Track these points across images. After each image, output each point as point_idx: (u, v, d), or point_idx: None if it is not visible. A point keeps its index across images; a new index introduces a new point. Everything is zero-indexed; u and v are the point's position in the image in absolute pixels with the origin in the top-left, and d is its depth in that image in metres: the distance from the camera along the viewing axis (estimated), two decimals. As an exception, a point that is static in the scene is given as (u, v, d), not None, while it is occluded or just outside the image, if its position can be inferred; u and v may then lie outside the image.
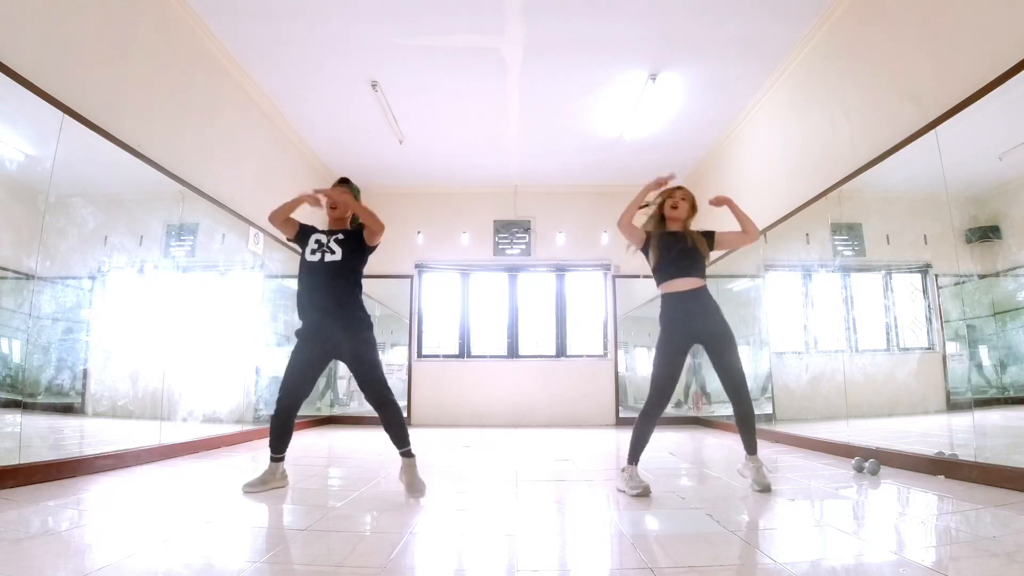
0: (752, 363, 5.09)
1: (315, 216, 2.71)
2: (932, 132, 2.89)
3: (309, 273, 2.53)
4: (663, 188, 2.74)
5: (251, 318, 4.91)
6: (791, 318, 4.60)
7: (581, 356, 7.13)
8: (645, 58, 4.53)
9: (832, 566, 1.48)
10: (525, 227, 7.31)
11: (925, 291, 3.15)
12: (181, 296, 3.84)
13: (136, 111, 3.39)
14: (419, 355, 7.06)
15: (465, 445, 4.54)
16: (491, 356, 7.14)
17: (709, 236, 2.72)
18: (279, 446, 2.55)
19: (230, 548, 1.70)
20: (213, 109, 4.31)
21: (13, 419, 2.50)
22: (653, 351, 2.67)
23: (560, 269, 7.33)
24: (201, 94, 4.14)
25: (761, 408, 4.71)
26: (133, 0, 3.40)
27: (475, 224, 7.30)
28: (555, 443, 4.68)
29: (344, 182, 2.68)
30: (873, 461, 2.86)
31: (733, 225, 2.79)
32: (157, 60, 3.61)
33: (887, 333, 3.47)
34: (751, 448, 2.57)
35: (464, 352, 7.14)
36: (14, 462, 2.41)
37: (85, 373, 3.03)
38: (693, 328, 2.60)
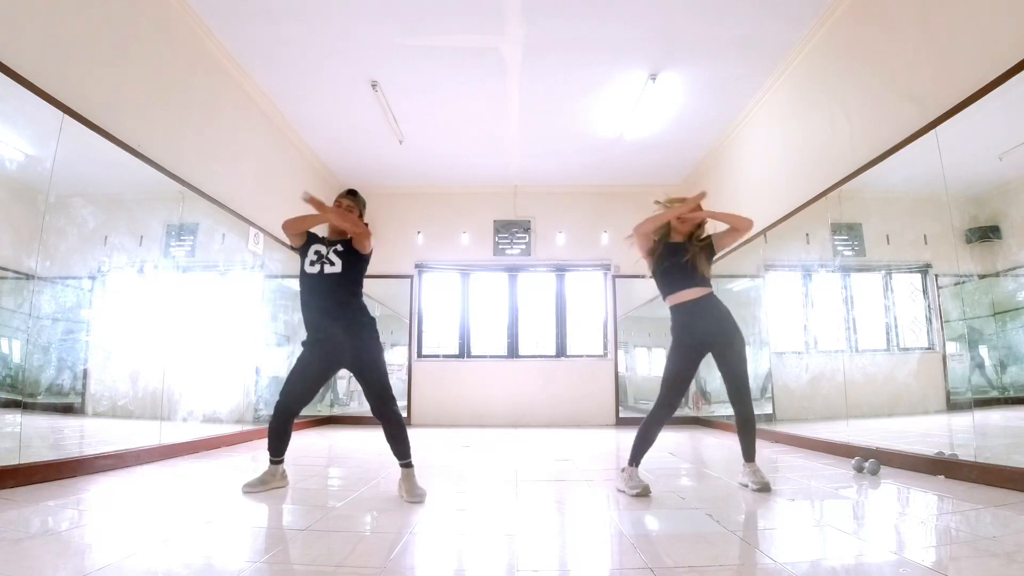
0: (752, 363, 5.08)
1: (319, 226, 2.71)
2: (932, 132, 2.89)
3: (309, 285, 2.53)
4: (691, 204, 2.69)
5: (251, 318, 4.91)
6: (791, 318, 4.60)
7: (581, 356, 7.13)
8: (645, 58, 4.53)
9: (832, 566, 1.48)
10: (525, 227, 7.31)
11: (925, 291, 3.15)
12: (181, 296, 3.84)
13: (136, 111, 3.39)
14: (419, 355, 7.06)
15: (465, 445, 4.54)
16: (491, 356, 7.14)
17: (708, 245, 2.71)
18: (277, 449, 2.56)
19: (230, 548, 1.70)
20: (213, 109, 4.31)
21: (13, 419, 2.50)
22: (666, 353, 2.68)
23: (560, 269, 7.33)
24: (201, 94, 4.14)
25: (761, 408, 4.71)
26: (133, 0, 3.40)
27: (475, 224, 7.30)
28: (555, 443, 4.68)
29: (352, 194, 2.65)
30: (873, 461, 2.86)
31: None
32: (157, 60, 3.61)
33: (887, 333, 3.47)
34: (750, 455, 2.57)
35: (464, 352, 7.14)
36: (14, 462, 2.42)
37: (85, 373, 3.03)
38: (702, 335, 2.59)
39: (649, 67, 4.65)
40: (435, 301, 7.31)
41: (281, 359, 5.49)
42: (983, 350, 2.75)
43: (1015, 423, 2.61)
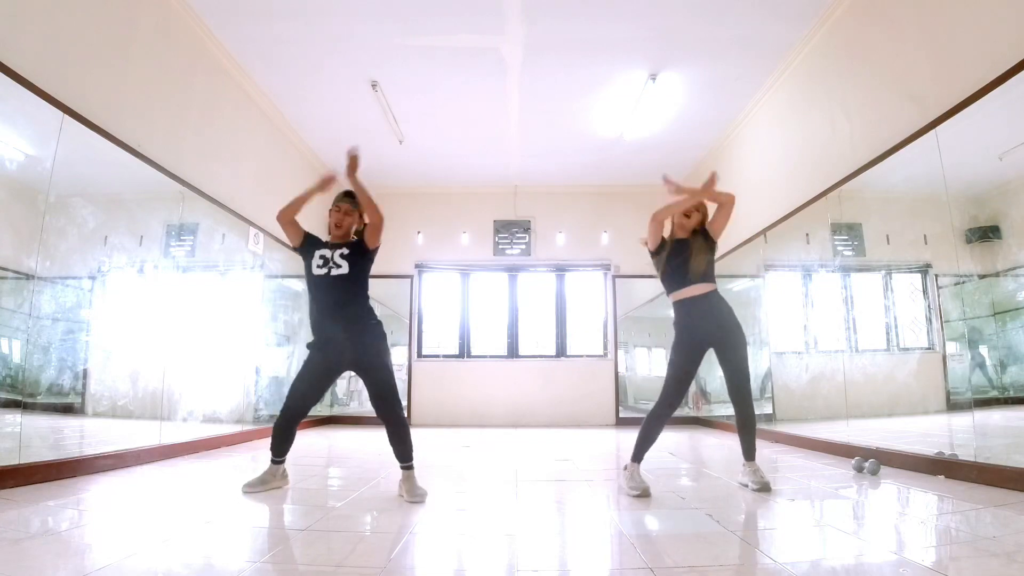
0: (752, 363, 5.08)
1: (319, 227, 2.71)
2: (932, 132, 2.89)
3: (317, 288, 2.53)
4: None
5: (251, 318, 4.91)
6: (791, 318, 4.60)
7: (581, 356, 7.13)
8: (645, 58, 4.53)
9: (832, 566, 1.48)
10: (525, 227, 7.31)
11: (925, 291, 3.15)
12: (181, 296, 3.84)
13: (136, 111, 3.39)
14: (419, 355, 7.07)
15: (465, 445, 4.54)
16: (491, 356, 7.14)
17: (707, 236, 2.72)
18: (280, 449, 2.56)
19: (230, 548, 1.70)
20: (213, 109, 4.31)
21: (13, 419, 2.50)
22: (668, 351, 2.70)
23: (560, 269, 7.33)
24: (201, 94, 4.14)
25: (761, 408, 4.71)
26: (133, 0, 3.40)
27: (475, 224, 7.30)
28: (555, 443, 4.68)
29: (349, 195, 2.64)
30: (873, 461, 2.86)
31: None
32: (157, 60, 3.61)
33: (887, 333, 3.47)
34: (750, 454, 2.57)
35: (464, 352, 7.14)
36: (14, 462, 2.42)
37: (85, 373, 3.03)
38: (706, 330, 2.60)
39: (649, 67, 4.65)
40: (435, 301, 7.31)
41: (281, 359, 5.49)
42: (983, 350, 2.75)
43: (1015, 423, 2.61)
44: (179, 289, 3.83)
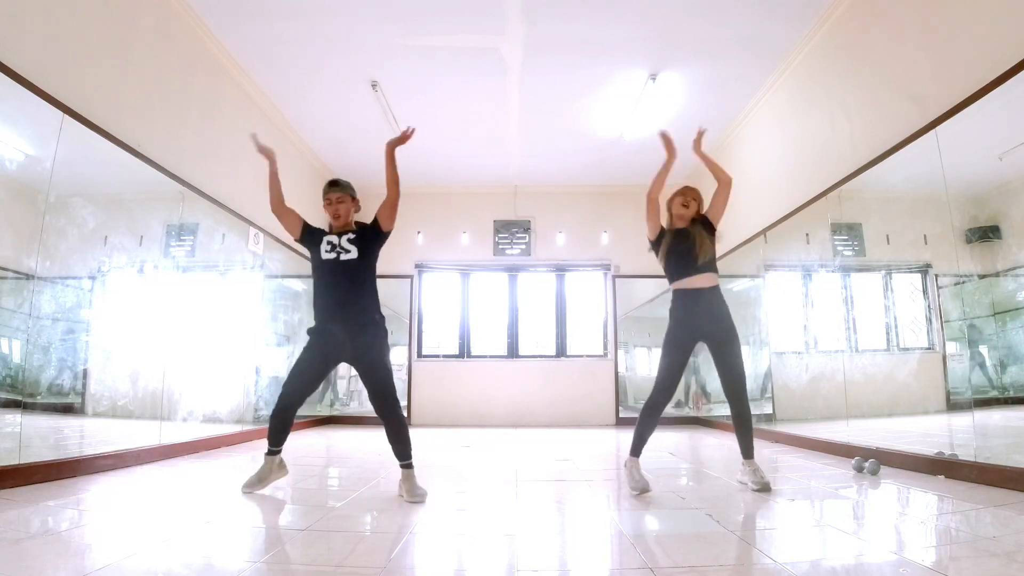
0: (752, 363, 5.09)
1: (320, 218, 2.71)
2: (932, 132, 2.89)
3: (324, 272, 2.51)
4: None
5: (251, 318, 4.91)
6: (791, 318, 4.60)
7: (581, 356, 7.13)
8: (645, 58, 4.53)
9: (832, 566, 1.48)
10: (525, 227, 7.31)
11: (925, 291, 3.15)
12: (181, 296, 3.84)
13: (136, 111, 3.39)
14: (419, 355, 7.07)
15: (465, 445, 4.54)
16: (491, 356, 7.14)
17: (707, 223, 2.72)
18: (278, 439, 2.53)
19: (230, 548, 1.70)
20: (213, 109, 4.31)
21: (13, 419, 2.50)
22: (662, 341, 2.71)
23: (560, 269, 7.33)
24: (201, 94, 4.14)
25: (761, 408, 4.71)
26: (133, 0, 3.40)
27: (475, 224, 7.30)
28: (555, 443, 4.68)
29: (335, 185, 2.62)
30: (873, 461, 2.86)
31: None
32: (157, 60, 3.61)
33: (887, 333, 3.47)
34: (748, 452, 2.58)
35: (464, 352, 7.14)
36: (14, 462, 2.41)
37: (85, 373, 3.03)
38: (697, 325, 2.62)
39: (649, 67, 4.65)
40: (435, 301, 7.31)
41: (281, 359, 5.49)
42: (983, 350, 2.75)
43: (1015, 423, 2.61)
44: (179, 289, 3.83)
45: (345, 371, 6.94)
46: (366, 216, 2.63)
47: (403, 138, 2.61)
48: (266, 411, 4.97)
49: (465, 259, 7.26)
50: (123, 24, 3.30)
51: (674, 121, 5.56)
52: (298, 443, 4.58)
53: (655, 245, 2.75)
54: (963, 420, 2.75)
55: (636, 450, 2.58)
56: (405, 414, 6.69)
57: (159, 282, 3.64)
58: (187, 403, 3.83)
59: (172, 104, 3.78)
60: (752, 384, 4.90)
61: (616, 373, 6.96)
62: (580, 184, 7.20)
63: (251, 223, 4.73)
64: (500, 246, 7.31)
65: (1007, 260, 2.56)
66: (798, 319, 4.47)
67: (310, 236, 2.61)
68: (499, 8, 3.93)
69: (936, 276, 3.04)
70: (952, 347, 2.91)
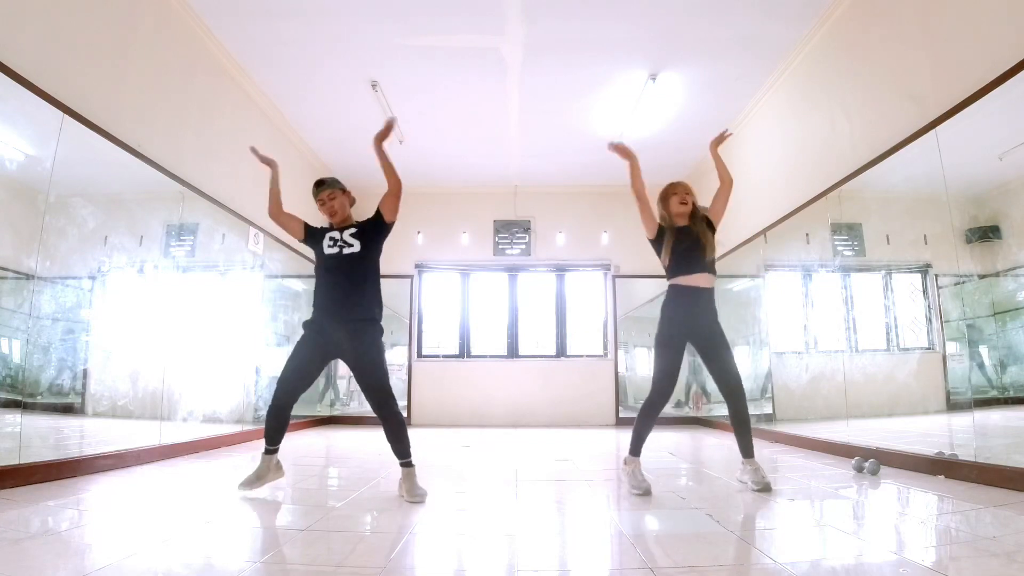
0: (752, 363, 5.09)
1: (318, 217, 2.71)
2: (932, 132, 2.89)
3: (328, 266, 2.50)
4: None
5: (251, 318, 4.91)
6: (791, 318, 4.60)
7: (581, 356, 7.13)
8: (645, 58, 4.52)
9: (832, 566, 1.48)
10: (525, 227, 7.31)
11: (925, 291, 3.15)
12: (181, 296, 3.84)
13: (136, 111, 3.39)
14: (419, 355, 7.07)
15: (465, 445, 4.54)
16: (491, 356, 7.14)
17: (708, 222, 2.72)
18: (274, 437, 2.50)
19: (230, 548, 1.70)
20: (213, 109, 4.31)
21: (13, 419, 2.50)
22: (654, 347, 2.69)
23: (560, 269, 7.33)
24: (201, 94, 4.14)
25: (761, 408, 4.71)
26: (133, 0, 3.40)
27: (475, 224, 7.30)
28: (555, 443, 4.68)
29: (322, 184, 2.62)
30: (873, 461, 2.86)
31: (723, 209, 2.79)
32: (157, 60, 3.61)
33: (887, 333, 3.47)
34: (748, 451, 2.57)
35: (464, 352, 7.14)
36: (14, 462, 2.41)
37: (85, 373, 3.03)
38: (690, 324, 2.61)
39: (649, 67, 4.65)
40: (435, 301, 7.31)
41: (281, 359, 5.47)
42: (983, 350, 2.75)
43: (1015, 423, 2.61)
44: (179, 289, 3.83)
45: (345, 371, 6.93)
46: (369, 210, 2.63)
47: (386, 129, 2.60)
48: (265, 411, 4.96)
49: (465, 259, 7.26)
50: (123, 24, 3.31)
51: (674, 121, 5.58)
52: (298, 443, 4.58)
53: (656, 243, 2.74)
54: (963, 420, 2.75)
55: (636, 450, 2.58)
56: (405, 414, 6.73)
57: (159, 282, 3.64)
58: (187, 403, 3.83)
59: (172, 104, 3.78)
60: (752, 384, 4.90)
61: (616, 373, 6.96)
62: (580, 184, 7.20)
63: (251, 223, 4.73)
64: (500, 246, 7.31)
65: (1007, 260, 2.56)
66: (798, 319, 4.47)
67: (313, 235, 2.61)
68: (499, 8, 3.93)
69: (936, 276, 3.04)
70: (952, 347, 2.91)
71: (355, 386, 7.01)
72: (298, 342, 2.52)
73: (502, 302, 7.28)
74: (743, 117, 5.34)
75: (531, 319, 7.29)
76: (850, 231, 3.74)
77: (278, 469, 2.56)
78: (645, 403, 2.61)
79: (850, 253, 3.80)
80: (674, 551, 1.62)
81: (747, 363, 5.21)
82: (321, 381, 6.78)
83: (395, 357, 7.07)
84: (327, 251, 2.51)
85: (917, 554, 1.55)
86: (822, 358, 4.07)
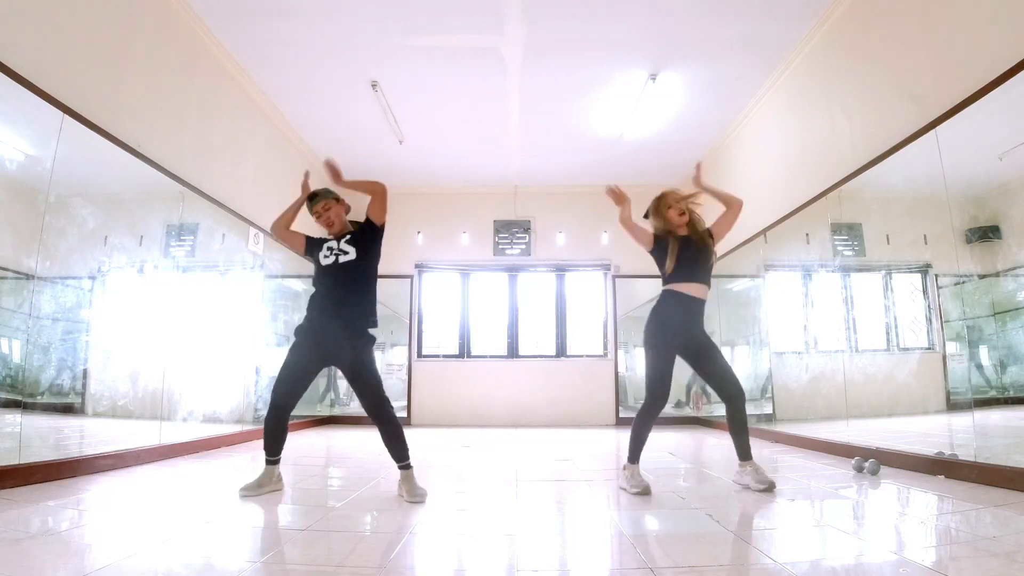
0: (752, 363, 5.09)
1: (316, 227, 2.71)
2: (932, 132, 2.89)
3: (324, 276, 2.51)
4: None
5: (251, 318, 4.91)
6: (791, 318, 4.60)
7: (581, 356, 7.13)
8: (645, 58, 4.52)
9: (832, 566, 1.48)
10: (525, 227, 7.31)
11: (925, 291, 3.15)
12: (181, 296, 3.84)
13: (136, 111, 3.39)
14: (419, 355, 7.07)
15: (465, 445, 4.54)
16: (491, 356, 7.14)
17: (710, 236, 2.72)
18: (274, 448, 2.49)
19: (230, 548, 1.70)
20: (213, 109, 4.31)
21: (13, 419, 2.50)
22: (644, 349, 2.66)
23: (560, 269, 7.33)
24: (201, 94, 4.14)
25: (761, 408, 4.71)
26: (133, 0, 3.40)
27: (475, 224, 7.30)
28: (555, 443, 4.68)
29: (313, 197, 2.62)
30: (873, 461, 2.86)
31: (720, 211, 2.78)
32: (157, 60, 3.61)
33: (887, 333, 3.47)
34: (746, 454, 2.57)
35: (464, 352, 7.14)
36: (14, 462, 2.42)
37: (85, 373, 3.03)
38: (683, 332, 2.59)
39: (649, 67, 4.65)
40: (435, 301, 7.31)
41: (281, 359, 5.48)
42: (983, 350, 2.75)
43: (1015, 423, 2.61)
44: (179, 289, 3.83)
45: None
46: (358, 214, 2.64)
47: (329, 169, 2.57)
48: (265, 411, 4.96)
49: (465, 259, 7.26)
50: (123, 24, 3.30)
51: (674, 121, 5.58)
52: (298, 443, 4.58)
53: (657, 253, 2.70)
54: (963, 420, 2.75)
55: (635, 456, 2.56)
56: (405, 415, 6.73)
57: (159, 282, 3.64)
58: (187, 403, 3.83)
59: (172, 104, 3.78)
60: (752, 384, 4.90)
61: (616, 373, 6.96)
62: (580, 184, 7.20)
63: (251, 223, 4.73)
64: (500, 246, 7.31)
65: (1007, 260, 2.56)
66: (798, 319, 4.47)
67: (312, 247, 2.61)
68: (499, 8, 3.93)
69: (936, 276, 3.04)
70: (952, 347, 2.91)
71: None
72: (291, 348, 2.51)
73: (502, 302, 7.28)
74: (743, 117, 5.34)
75: (531, 319, 7.29)
76: (850, 231, 3.74)
77: (279, 481, 2.54)
78: (642, 409, 2.59)
79: (850, 253, 3.80)
80: (674, 551, 1.62)
81: (747, 363, 5.21)
82: (322, 382, 6.78)
83: (395, 357, 7.07)
84: (323, 262, 2.53)
85: (917, 554, 1.55)
86: (822, 358, 4.07)
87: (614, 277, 7.16)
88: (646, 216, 2.79)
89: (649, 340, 2.61)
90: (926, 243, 3.12)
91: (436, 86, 4.94)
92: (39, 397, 2.73)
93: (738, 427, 2.58)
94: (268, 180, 5.16)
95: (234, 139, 4.63)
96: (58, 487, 2.45)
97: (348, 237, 2.56)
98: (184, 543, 1.70)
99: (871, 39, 3.48)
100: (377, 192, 2.57)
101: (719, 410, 5.98)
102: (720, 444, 4.56)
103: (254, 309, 4.97)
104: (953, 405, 2.90)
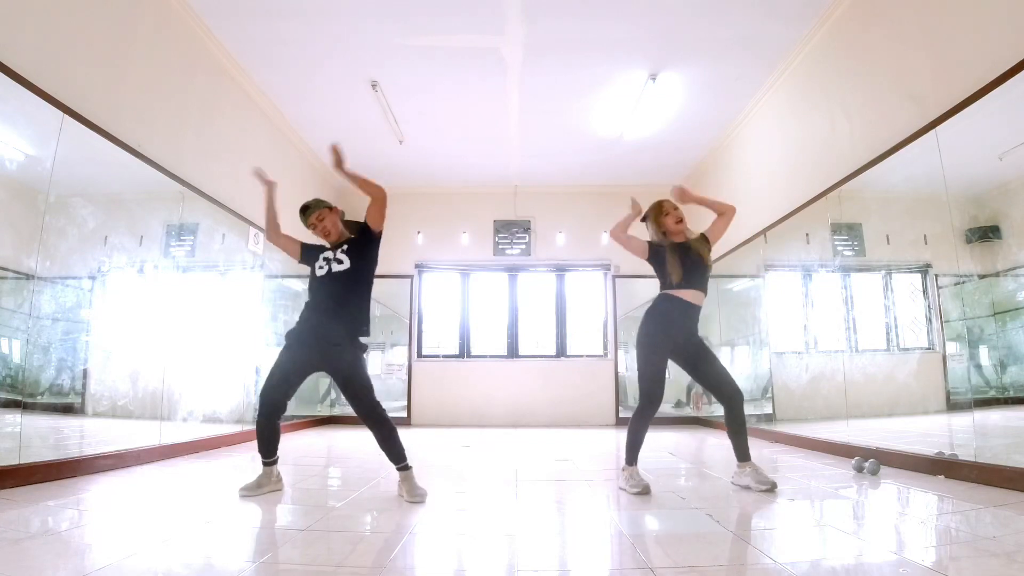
0: (752, 363, 5.09)
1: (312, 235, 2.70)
2: (932, 132, 2.89)
3: (318, 286, 2.52)
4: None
5: (251, 318, 4.91)
6: (791, 318, 4.60)
7: (581, 356, 7.13)
8: (645, 58, 4.52)
9: (832, 566, 1.48)
10: (525, 227, 7.31)
11: (925, 291, 3.15)
12: (181, 296, 3.84)
13: (136, 111, 3.39)
14: (419, 355, 7.06)
15: (465, 445, 4.54)
16: (491, 356, 7.13)
17: (706, 240, 2.72)
18: (268, 450, 2.49)
19: (230, 548, 1.70)
20: (213, 109, 4.31)
21: (13, 419, 2.50)
22: (636, 351, 2.65)
23: (560, 269, 7.33)
24: (201, 94, 4.14)
25: (761, 408, 4.71)
26: (133, 0, 3.40)
27: (475, 224, 7.30)
28: (555, 443, 4.68)
29: (307, 209, 2.61)
30: (873, 461, 2.86)
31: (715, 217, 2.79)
32: (157, 60, 3.61)
33: (887, 333, 3.47)
34: (745, 455, 2.57)
35: (464, 352, 7.14)
36: (14, 462, 2.42)
37: (85, 373, 3.03)
38: (679, 336, 2.59)
39: (649, 67, 4.65)
40: (435, 301, 7.31)
41: (281, 359, 5.49)
42: (983, 350, 2.75)
43: (1015, 423, 2.61)
44: (179, 289, 3.83)
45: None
46: (358, 214, 2.64)
47: (335, 155, 2.55)
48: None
49: (465, 259, 7.26)
50: (123, 24, 3.30)
51: (674, 121, 5.58)
52: (298, 443, 4.58)
53: (654, 260, 2.70)
54: (963, 420, 2.75)
55: (632, 459, 2.56)
56: (405, 415, 6.73)
57: (159, 282, 3.64)
58: (187, 403, 3.83)
59: (172, 104, 3.78)
60: (752, 384, 4.90)
61: (616, 373, 6.95)
62: (580, 184, 7.20)
63: (251, 223, 4.73)
64: (500, 246, 7.31)
65: (1007, 260, 2.56)
66: (798, 319, 4.47)
67: (308, 255, 2.62)
68: (499, 8, 3.93)
69: (936, 276, 3.04)
70: (952, 347, 2.91)
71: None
72: (281, 352, 2.51)
73: (502, 302, 7.28)
74: (743, 117, 5.34)
75: (531, 319, 7.28)
76: (850, 231, 3.74)
77: (278, 481, 2.54)
78: (637, 411, 2.58)
79: (850, 253, 3.80)
80: (674, 551, 1.62)
81: (747, 363, 5.21)
82: (323, 382, 6.77)
83: (395, 357, 7.07)
84: (318, 272, 2.54)
85: (917, 554, 1.55)
86: (822, 358, 4.07)
87: (614, 277, 7.16)
88: (644, 219, 2.79)
89: (643, 341, 2.60)
90: (926, 243, 3.12)
91: (436, 86, 4.94)
92: (39, 397, 2.73)
93: (737, 428, 2.58)
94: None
95: (234, 139, 4.62)
96: (58, 487, 2.45)
97: (345, 247, 2.55)
98: (184, 543, 1.70)
99: (871, 39, 3.48)
100: (377, 198, 2.56)
101: (719, 410, 5.95)
102: (720, 444, 4.56)
103: (254, 309, 4.97)
104: (953, 405, 2.90)
